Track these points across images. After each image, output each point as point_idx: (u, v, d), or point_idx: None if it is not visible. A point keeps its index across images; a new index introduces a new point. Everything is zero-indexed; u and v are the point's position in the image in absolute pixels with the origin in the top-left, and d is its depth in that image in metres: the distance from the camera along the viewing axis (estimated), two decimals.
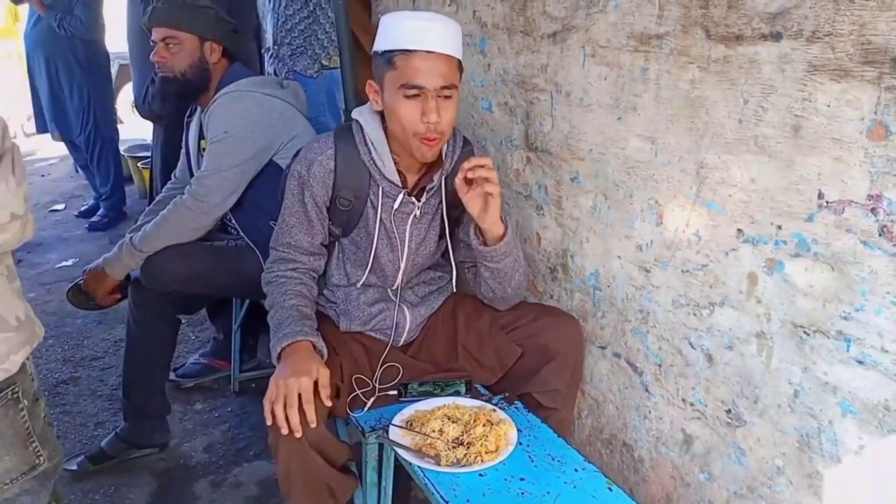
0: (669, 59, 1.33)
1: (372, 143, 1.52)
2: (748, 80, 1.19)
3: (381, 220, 1.56)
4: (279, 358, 1.42)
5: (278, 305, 1.51)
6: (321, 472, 1.37)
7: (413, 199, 1.56)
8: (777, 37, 1.12)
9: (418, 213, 1.57)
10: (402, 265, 1.61)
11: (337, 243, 1.64)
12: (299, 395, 1.30)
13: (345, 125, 1.60)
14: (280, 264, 1.59)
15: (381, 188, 1.54)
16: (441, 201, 1.60)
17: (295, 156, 1.71)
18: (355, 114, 1.57)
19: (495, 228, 1.50)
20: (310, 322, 1.49)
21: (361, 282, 1.63)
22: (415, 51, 1.37)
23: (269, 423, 1.32)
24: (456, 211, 1.61)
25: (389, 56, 1.40)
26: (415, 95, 1.40)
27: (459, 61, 1.45)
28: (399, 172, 1.54)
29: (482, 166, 1.42)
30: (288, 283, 1.55)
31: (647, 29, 1.37)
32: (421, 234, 1.61)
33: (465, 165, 1.43)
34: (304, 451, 1.33)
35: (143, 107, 2.59)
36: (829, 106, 1.07)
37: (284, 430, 1.30)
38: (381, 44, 1.43)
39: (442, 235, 1.64)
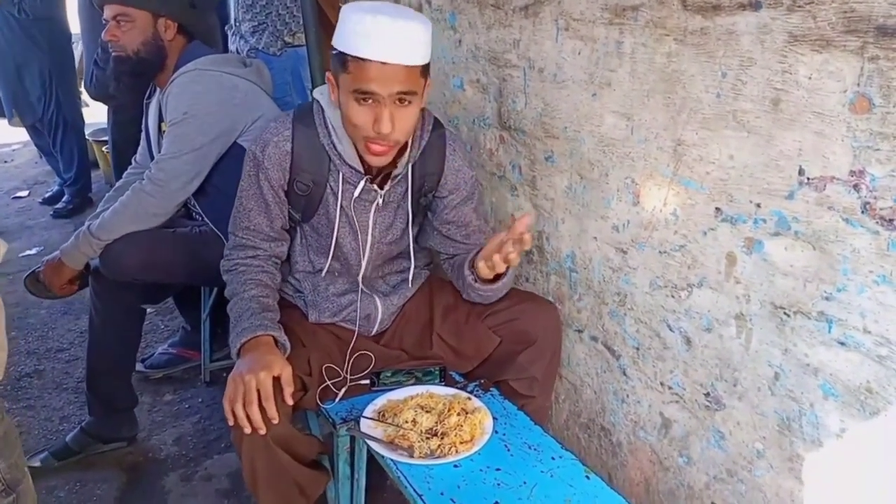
0: (645, 31, 1.28)
1: (332, 126, 1.43)
2: (726, 53, 1.14)
3: (341, 206, 1.48)
4: (239, 353, 1.35)
5: (238, 296, 1.44)
6: (288, 469, 1.32)
7: (375, 186, 1.48)
8: (756, 6, 1.07)
9: (381, 201, 1.49)
10: (367, 254, 1.54)
11: (299, 228, 1.57)
12: (259, 392, 1.24)
13: (306, 104, 1.51)
14: (239, 251, 1.51)
15: (341, 174, 1.46)
16: (408, 189, 1.52)
17: None
18: (316, 93, 1.48)
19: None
20: (271, 314, 1.42)
21: (325, 270, 1.57)
22: (368, 60, 1.25)
23: (230, 422, 1.26)
24: (425, 199, 1.54)
25: (343, 58, 1.28)
26: (367, 100, 1.29)
27: (424, 66, 1.32)
28: (361, 158, 1.45)
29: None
30: (248, 271, 1.48)
31: (621, 0, 1.32)
32: (386, 223, 1.54)
33: (525, 235, 1.26)
34: (268, 449, 1.28)
35: (90, 88, 2.49)
36: (810, 78, 1.02)
37: (247, 430, 1.24)
38: (338, 40, 1.30)
39: (406, 225, 1.57)
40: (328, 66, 2.42)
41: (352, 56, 1.26)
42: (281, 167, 1.45)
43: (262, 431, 1.24)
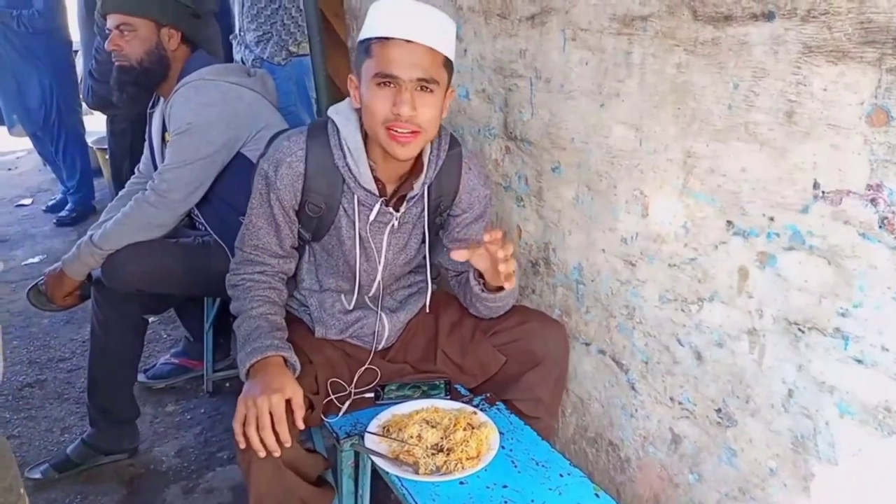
0: (654, 41, 1.26)
1: (347, 147, 1.39)
2: (738, 64, 1.12)
3: (356, 230, 1.44)
4: (248, 373, 1.32)
5: (245, 314, 1.40)
6: (296, 490, 1.30)
7: (391, 209, 1.44)
8: (769, 16, 1.05)
9: (397, 223, 1.46)
10: (379, 276, 1.52)
11: (308, 247, 1.54)
12: (271, 415, 1.21)
13: (320, 122, 1.46)
14: (247, 266, 1.48)
15: (355, 196, 1.42)
16: (423, 209, 1.48)
17: (267, 147, 1.61)
18: (331, 112, 1.43)
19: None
20: (280, 333, 1.38)
21: (335, 290, 1.54)
22: (391, 38, 1.25)
23: (241, 446, 1.22)
24: (440, 218, 1.52)
25: (367, 44, 1.29)
26: (388, 84, 1.27)
27: (447, 59, 1.31)
28: (376, 179, 1.41)
29: (505, 256, 1.29)
30: (255, 287, 1.45)
31: (630, 10, 1.30)
32: (400, 244, 1.50)
33: (490, 244, 1.28)
34: (278, 472, 1.25)
35: (87, 99, 2.49)
36: (825, 90, 1.00)
37: (261, 454, 1.20)
38: (362, 33, 1.32)
39: (424, 241, 1.54)
40: (333, 74, 2.43)
41: (376, 38, 1.26)
42: (293, 188, 1.41)
43: (277, 454, 1.21)
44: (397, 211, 1.45)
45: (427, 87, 1.28)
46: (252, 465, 1.24)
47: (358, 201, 1.42)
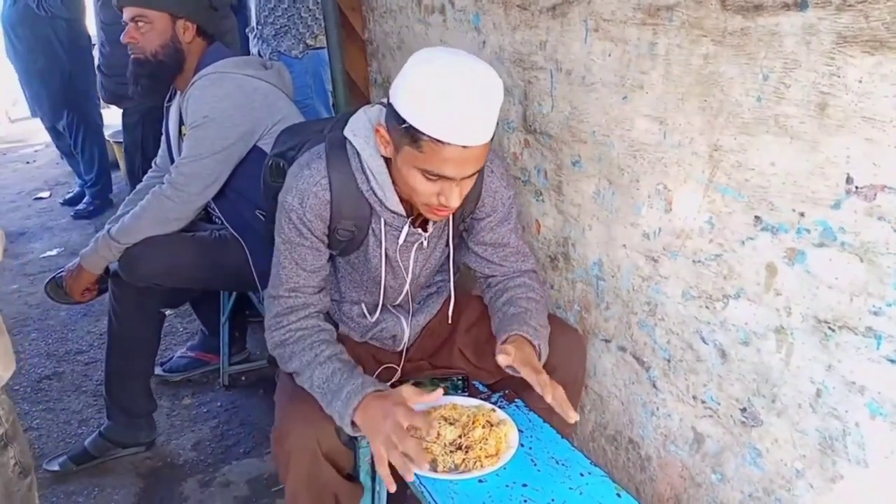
0: (680, 32, 1.23)
1: (371, 171, 1.31)
2: (768, 55, 1.09)
3: (382, 248, 1.40)
4: (352, 417, 1.26)
5: (313, 363, 1.32)
6: (331, 483, 1.31)
7: (419, 229, 1.40)
8: (802, 6, 1.02)
9: (426, 241, 1.42)
10: (406, 289, 1.49)
11: (332, 260, 1.49)
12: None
13: (336, 143, 1.36)
14: (290, 315, 1.38)
15: (382, 218, 1.37)
16: (448, 221, 1.44)
17: (276, 141, 1.59)
18: (348, 133, 1.33)
19: None
20: (359, 369, 1.34)
21: (356, 301, 1.53)
22: (449, 144, 1.14)
23: (392, 489, 1.21)
24: (464, 224, 1.49)
25: (415, 133, 1.14)
26: (437, 179, 1.19)
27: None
28: (402, 200, 1.34)
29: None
30: (308, 335, 1.37)
31: (655, 0, 1.27)
32: (426, 257, 1.47)
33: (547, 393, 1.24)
34: (316, 463, 1.26)
35: (101, 92, 2.50)
36: (860, 81, 0.97)
37: (409, 477, 1.19)
38: (404, 106, 1.15)
39: (447, 245, 1.50)
40: (349, 67, 2.41)
41: (428, 137, 1.13)
42: (322, 216, 1.34)
43: (410, 475, 1.20)
44: (425, 230, 1.40)
45: (475, 173, 1.23)
46: (292, 456, 1.25)
47: (385, 223, 1.38)
